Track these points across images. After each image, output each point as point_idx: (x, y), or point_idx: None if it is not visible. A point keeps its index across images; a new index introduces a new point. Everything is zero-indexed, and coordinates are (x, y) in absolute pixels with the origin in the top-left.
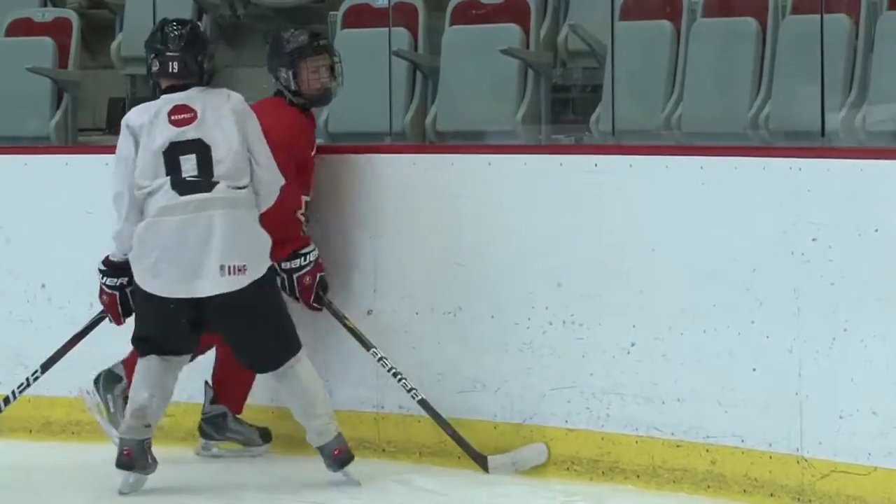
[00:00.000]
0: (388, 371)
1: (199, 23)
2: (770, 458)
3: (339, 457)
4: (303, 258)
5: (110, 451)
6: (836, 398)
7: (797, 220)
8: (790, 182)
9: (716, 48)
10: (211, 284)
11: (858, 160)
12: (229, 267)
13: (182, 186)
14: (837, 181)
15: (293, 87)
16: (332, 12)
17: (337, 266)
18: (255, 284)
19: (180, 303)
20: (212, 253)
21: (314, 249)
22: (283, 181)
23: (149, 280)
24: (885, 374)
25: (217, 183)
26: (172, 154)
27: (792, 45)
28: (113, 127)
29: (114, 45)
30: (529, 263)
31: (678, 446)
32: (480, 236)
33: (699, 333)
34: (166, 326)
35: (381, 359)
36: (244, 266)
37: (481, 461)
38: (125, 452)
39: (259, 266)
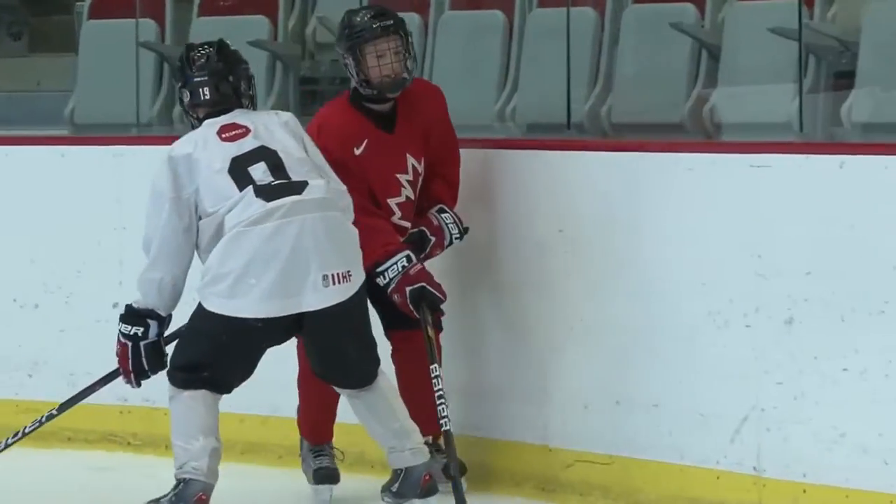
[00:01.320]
0: (436, 391)
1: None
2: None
3: (427, 483)
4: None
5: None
6: (580, 389)
7: (537, 208)
8: (534, 173)
9: (463, 41)
10: (317, 297)
11: (609, 153)
12: (333, 276)
13: (268, 193)
14: (581, 172)
15: (358, 77)
16: (78, 2)
17: None
18: (356, 292)
19: (272, 322)
20: (312, 262)
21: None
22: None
23: (228, 302)
24: (622, 359)
25: (306, 183)
26: (239, 169)
27: (539, 38)
28: None
29: None
30: None
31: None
32: None
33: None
34: (238, 355)
35: (436, 377)
36: (349, 272)
37: None
38: (201, 497)
39: (360, 270)
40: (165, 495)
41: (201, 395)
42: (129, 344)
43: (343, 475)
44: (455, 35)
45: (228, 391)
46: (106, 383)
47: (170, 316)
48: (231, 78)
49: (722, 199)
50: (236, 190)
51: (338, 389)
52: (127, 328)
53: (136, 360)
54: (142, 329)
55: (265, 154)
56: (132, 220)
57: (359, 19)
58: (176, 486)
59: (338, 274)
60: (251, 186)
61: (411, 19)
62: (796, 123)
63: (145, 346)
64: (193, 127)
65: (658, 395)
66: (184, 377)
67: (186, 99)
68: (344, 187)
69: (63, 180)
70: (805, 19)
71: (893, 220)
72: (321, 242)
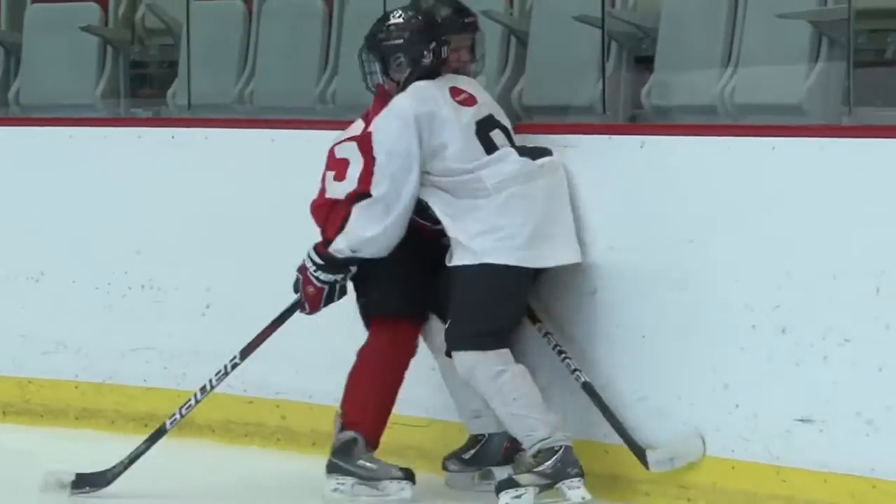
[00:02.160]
0: (553, 348)
1: None
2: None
3: (508, 451)
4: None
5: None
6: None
7: None
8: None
9: (286, 27)
10: (572, 251)
11: None
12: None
13: (529, 153)
14: None
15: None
16: None
17: None
18: None
19: (529, 274)
20: (567, 218)
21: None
22: None
23: (515, 252)
24: None
25: (543, 153)
26: (483, 132)
27: (355, 24)
28: None
29: None
30: (108, 232)
31: (250, 402)
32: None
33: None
34: (517, 307)
35: (546, 334)
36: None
37: (641, 455)
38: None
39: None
40: (538, 465)
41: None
42: (327, 288)
43: None
44: (277, 21)
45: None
46: (287, 318)
47: None
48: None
49: None
50: (482, 151)
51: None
52: (328, 276)
53: (329, 300)
54: (342, 275)
55: (497, 123)
56: None
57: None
58: (552, 453)
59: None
60: (511, 147)
61: (235, 7)
62: (600, 106)
63: (340, 288)
64: (380, 90)
65: None
66: (493, 341)
67: (426, 61)
68: None
69: None
70: (607, 7)
71: (689, 196)
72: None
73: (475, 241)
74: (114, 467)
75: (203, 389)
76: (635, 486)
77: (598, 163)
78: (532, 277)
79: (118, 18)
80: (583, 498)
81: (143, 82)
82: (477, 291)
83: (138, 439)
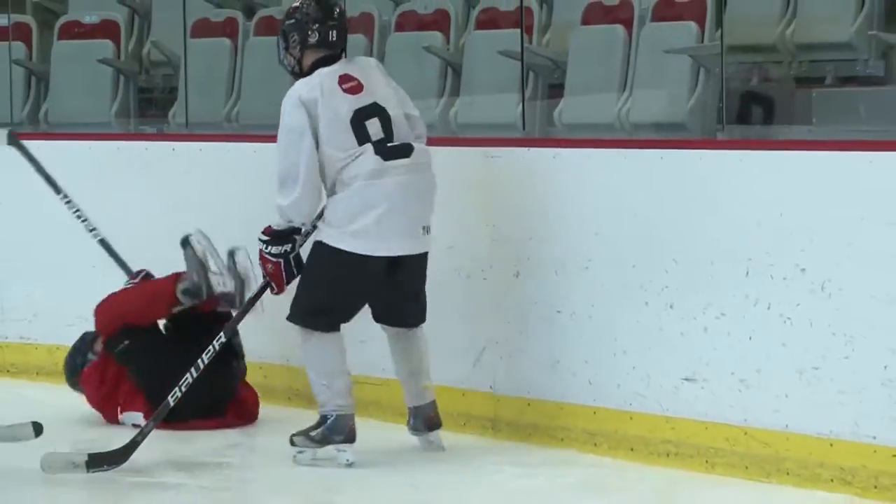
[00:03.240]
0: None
1: None
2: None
3: (432, 420)
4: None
5: None
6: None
7: None
8: None
9: (265, 59)
10: (417, 243)
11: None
12: (424, 227)
13: (385, 153)
14: None
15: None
16: None
17: None
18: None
19: (379, 262)
20: (417, 214)
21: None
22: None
23: (351, 241)
24: None
25: (413, 149)
26: (359, 120)
27: None
28: None
29: None
30: (119, 226)
31: None
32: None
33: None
34: (356, 293)
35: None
36: (429, 227)
37: None
38: (350, 426)
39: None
40: (313, 428)
41: (332, 336)
42: (282, 261)
43: None
44: (258, 55)
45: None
46: (256, 301)
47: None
48: (345, 27)
49: (463, 181)
50: (354, 140)
51: (388, 329)
52: (278, 248)
53: (288, 273)
54: (290, 245)
55: (378, 110)
56: (5, 199)
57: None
58: (324, 420)
59: (427, 227)
60: (370, 143)
61: (223, 43)
62: (520, 123)
63: (294, 258)
64: (294, 73)
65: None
66: (319, 322)
67: (314, 39)
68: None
69: None
70: (525, 43)
71: (594, 196)
72: (423, 199)
73: (322, 224)
74: (126, 446)
75: (197, 367)
76: (552, 433)
77: (519, 170)
78: (376, 266)
79: (128, 52)
80: (346, 461)
81: (149, 104)
82: (311, 269)
83: None
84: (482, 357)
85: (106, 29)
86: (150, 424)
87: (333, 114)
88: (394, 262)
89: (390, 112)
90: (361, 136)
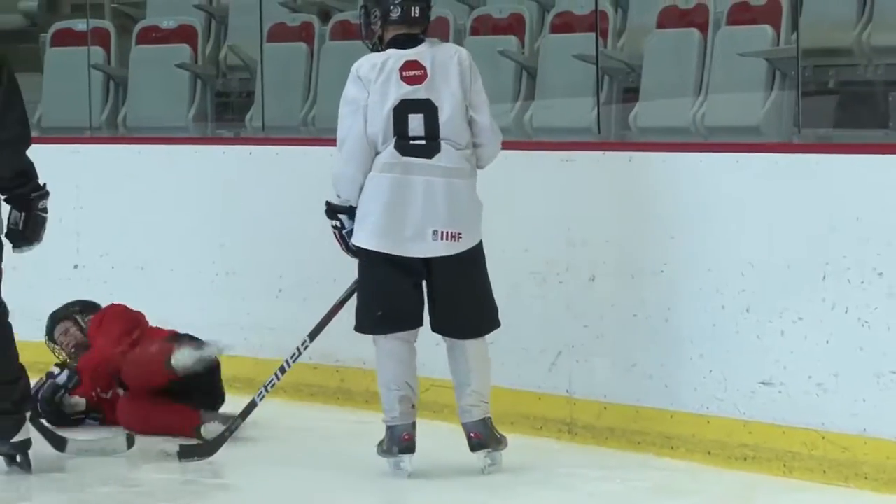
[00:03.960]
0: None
1: None
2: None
3: (471, 439)
4: None
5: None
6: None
7: None
8: None
9: (341, 63)
10: (425, 247)
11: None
12: (443, 233)
13: (405, 148)
14: None
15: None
16: (42, 34)
17: None
18: (470, 251)
19: (407, 261)
20: (427, 216)
21: None
22: (500, 137)
23: (361, 235)
24: None
25: (439, 151)
26: (402, 111)
27: None
28: None
29: None
30: (197, 229)
31: (315, 368)
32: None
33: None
34: (387, 293)
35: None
36: (459, 234)
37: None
38: (405, 437)
39: (474, 234)
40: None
41: (394, 345)
42: (336, 232)
43: None
44: (334, 58)
45: (412, 328)
46: (342, 306)
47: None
48: (428, 5)
49: (538, 185)
50: (391, 129)
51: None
52: (331, 221)
53: (344, 244)
54: (339, 223)
55: (427, 108)
56: (88, 201)
57: None
58: (386, 431)
59: (447, 232)
60: (396, 137)
61: (299, 48)
62: (595, 127)
63: (347, 232)
64: (375, 49)
65: (493, 335)
66: (376, 328)
67: (396, 14)
68: (499, 135)
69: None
70: (600, 48)
71: (669, 200)
72: (438, 202)
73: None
74: (215, 439)
75: (282, 369)
76: (628, 437)
77: (594, 174)
78: (413, 264)
79: (205, 57)
80: (405, 470)
81: (225, 108)
82: (359, 269)
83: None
84: (558, 361)
85: (183, 34)
86: (238, 421)
87: (380, 98)
88: (423, 265)
89: (443, 112)
90: (398, 128)
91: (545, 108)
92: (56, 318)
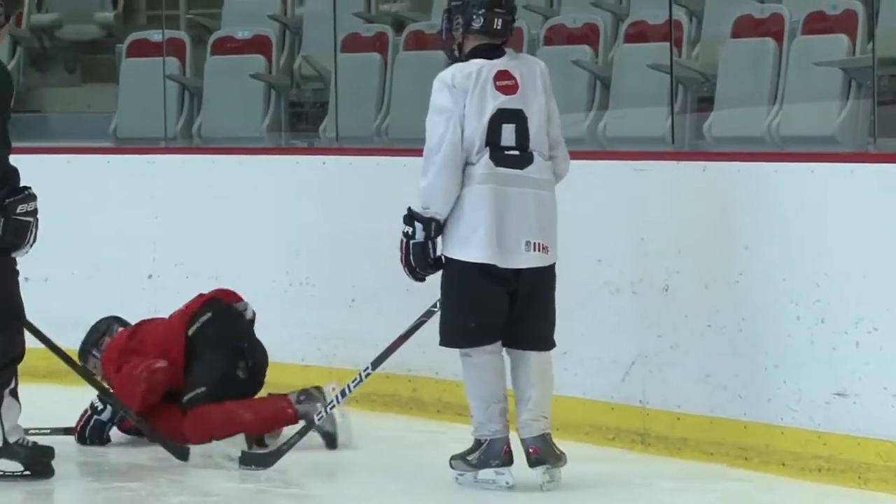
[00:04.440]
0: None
1: None
2: (457, 385)
3: (529, 455)
4: None
5: None
6: None
7: None
8: None
9: (414, 73)
10: (520, 258)
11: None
12: (535, 244)
13: (499, 159)
14: None
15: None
16: (118, 45)
17: None
18: (552, 265)
19: (502, 272)
20: (521, 228)
21: None
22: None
23: (452, 247)
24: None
25: (531, 163)
26: (497, 121)
27: None
28: None
29: None
30: (272, 239)
31: (388, 378)
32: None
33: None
34: (477, 305)
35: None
36: (547, 246)
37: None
38: (505, 450)
39: (555, 247)
40: (470, 451)
41: (485, 358)
42: (403, 240)
43: None
44: (407, 69)
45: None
46: (418, 328)
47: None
48: (512, 17)
49: (612, 195)
50: (485, 140)
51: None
52: (405, 227)
53: (409, 257)
54: (411, 229)
55: (519, 118)
56: (162, 211)
57: None
58: (479, 445)
59: (538, 244)
60: (489, 148)
61: (373, 58)
62: (669, 137)
63: (414, 245)
64: (454, 57)
65: (566, 345)
66: (466, 339)
67: (478, 25)
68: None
69: (108, 181)
70: (675, 57)
71: (745, 211)
72: (529, 213)
73: (445, 236)
74: (275, 451)
75: (343, 393)
76: (701, 447)
77: (668, 183)
78: (507, 275)
79: (280, 67)
80: (506, 483)
81: (299, 119)
82: (442, 281)
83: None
84: (631, 371)
85: (258, 44)
86: (296, 438)
87: (478, 108)
88: (509, 275)
89: (532, 123)
90: (492, 138)
91: (619, 118)
92: (100, 330)
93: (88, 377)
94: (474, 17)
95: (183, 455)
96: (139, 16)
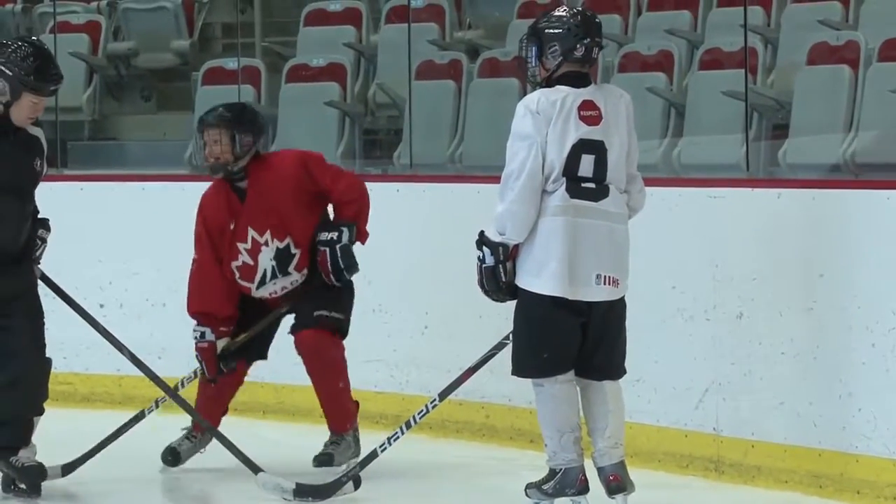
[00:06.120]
0: None
1: None
2: (530, 412)
3: (609, 483)
4: None
5: None
6: None
7: None
8: None
9: (488, 101)
10: (590, 291)
11: None
12: (605, 277)
13: (575, 191)
14: None
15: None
16: (194, 73)
17: None
18: (622, 298)
19: (575, 304)
20: (593, 261)
21: None
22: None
23: (525, 277)
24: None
25: (606, 196)
26: (578, 151)
27: None
28: None
29: None
30: None
31: (460, 405)
32: None
33: (475, 318)
34: (549, 337)
35: None
36: (618, 280)
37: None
38: (581, 479)
39: (626, 281)
40: (545, 480)
41: (558, 388)
42: (478, 264)
43: None
44: (481, 97)
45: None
46: (487, 361)
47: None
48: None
49: (686, 221)
50: (562, 169)
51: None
52: (478, 252)
53: (483, 280)
54: (481, 254)
55: (599, 149)
56: None
57: None
58: (554, 474)
59: (609, 277)
60: (566, 178)
61: (447, 85)
62: (744, 164)
63: (485, 269)
64: (537, 82)
65: (640, 372)
66: (539, 370)
67: (578, 53)
68: (637, 187)
69: (183, 207)
70: (749, 84)
71: (819, 238)
72: (602, 247)
73: (518, 266)
74: (332, 483)
75: (408, 424)
76: (776, 475)
77: (742, 210)
78: (580, 306)
79: (354, 95)
80: None
81: (373, 146)
82: (516, 311)
83: (369, 435)
84: (705, 398)
85: (332, 72)
86: (357, 469)
87: (560, 137)
88: (582, 306)
89: (611, 155)
90: (570, 168)
91: (694, 145)
92: (206, 123)
93: (181, 402)
94: (578, 45)
95: (255, 470)
96: (215, 44)
